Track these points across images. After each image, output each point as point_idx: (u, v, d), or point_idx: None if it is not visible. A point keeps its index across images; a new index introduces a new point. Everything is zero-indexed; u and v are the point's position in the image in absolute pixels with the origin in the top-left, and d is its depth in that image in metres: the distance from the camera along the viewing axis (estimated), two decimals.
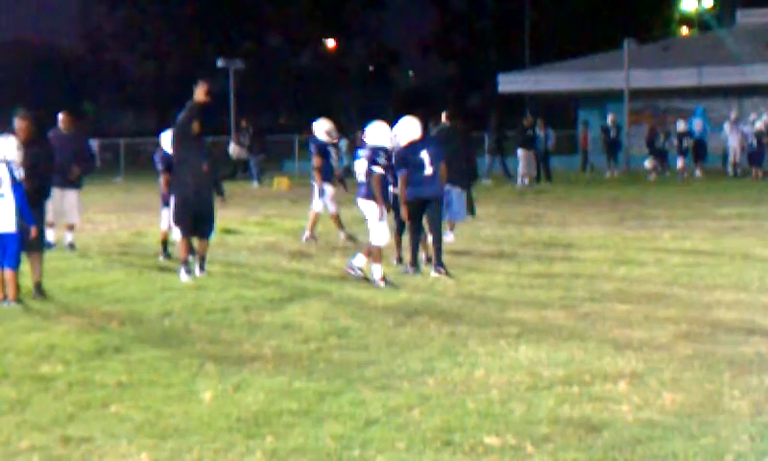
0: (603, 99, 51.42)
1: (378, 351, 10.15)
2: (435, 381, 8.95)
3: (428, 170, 15.11)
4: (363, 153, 14.94)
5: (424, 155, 15.14)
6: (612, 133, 41.39)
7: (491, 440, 7.31)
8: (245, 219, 23.12)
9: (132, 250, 18.52)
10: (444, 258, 16.51)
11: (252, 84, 78.04)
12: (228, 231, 20.17)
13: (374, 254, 14.60)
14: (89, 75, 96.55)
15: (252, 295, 13.70)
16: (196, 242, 15.52)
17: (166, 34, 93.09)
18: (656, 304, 12.41)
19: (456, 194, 18.94)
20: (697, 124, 40.87)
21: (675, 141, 40.06)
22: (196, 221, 15.07)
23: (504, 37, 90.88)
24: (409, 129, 15.45)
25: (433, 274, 15.14)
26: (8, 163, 12.72)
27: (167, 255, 17.37)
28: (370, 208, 14.77)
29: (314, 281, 14.86)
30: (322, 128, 19.60)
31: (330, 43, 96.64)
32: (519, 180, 36.64)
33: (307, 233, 19.53)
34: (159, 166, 17.33)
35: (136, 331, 11.43)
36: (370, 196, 14.74)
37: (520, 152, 37.18)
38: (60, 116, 18.46)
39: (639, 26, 71.55)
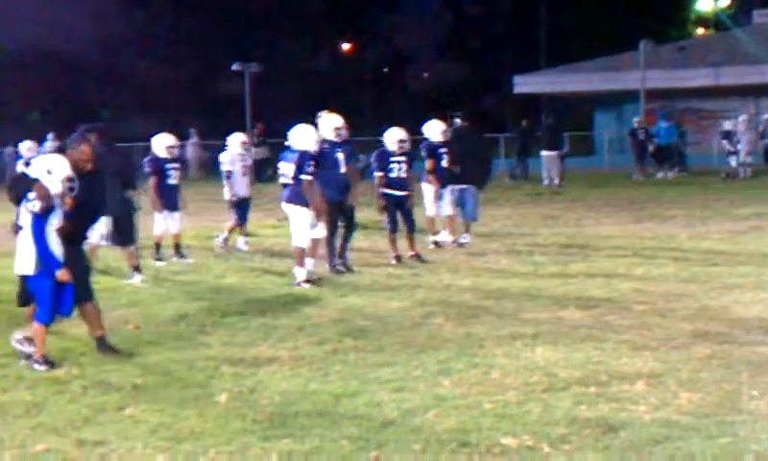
0: (619, 100, 51.29)
1: (394, 353, 10.12)
2: (451, 382, 8.92)
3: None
4: (291, 156, 14.97)
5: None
6: (641, 135, 40.66)
7: (507, 441, 7.28)
8: (260, 222, 23.07)
9: (147, 253, 18.48)
10: (460, 259, 16.63)
11: (266, 88, 78.04)
12: (245, 234, 20.12)
13: (297, 257, 14.84)
14: (104, 80, 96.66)
15: (267, 297, 13.70)
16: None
17: (180, 38, 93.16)
18: (673, 304, 12.34)
19: (471, 194, 18.96)
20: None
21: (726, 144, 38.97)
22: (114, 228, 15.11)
23: (519, 39, 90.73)
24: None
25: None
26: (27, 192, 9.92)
27: (159, 258, 17.43)
28: (293, 212, 14.97)
29: (329, 283, 14.83)
30: (436, 128, 18.69)
31: (345, 46, 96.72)
32: (546, 181, 36.33)
33: (430, 238, 18.78)
34: (147, 169, 17.80)
35: (152, 334, 11.43)
36: (294, 200, 14.91)
37: (545, 153, 36.88)
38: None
39: (655, 26, 71.31)
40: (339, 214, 15.99)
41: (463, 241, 18.89)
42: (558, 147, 36.75)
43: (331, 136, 15.84)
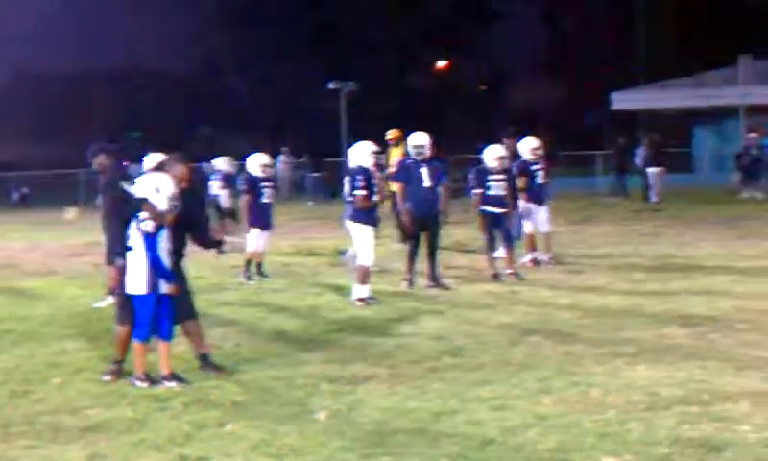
0: (718, 116, 50.65)
1: (493, 371, 10.07)
2: (551, 401, 8.85)
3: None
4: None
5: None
6: (754, 151, 39.45)
7: (608, 460, 7.20)
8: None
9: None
10: (559, 276, 16.54)
11: (362, 106, 78.30)
12: (340, 251, 20.23)
13: (360, 275, 14.81)
14: (204, 99, 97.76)
15: (365, 315, 13.71)
16: None
17: (278, 56, 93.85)
18: None
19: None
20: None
21: None
22: None
23: (617, 55, 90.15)
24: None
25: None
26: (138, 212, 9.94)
27: (249, 277, 17.54)
28: (353, 230, 15.05)
29: (426, 301, 14.82)
30: (528, 146, 18.70)
31: (441, 64, 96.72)
32: (655, 198, 35.83)
33: (529, 257, 18.45)
34: (243, 188, 18.02)
35: (251, 352, 11.49)
36: (352, 217, 15.01)
37: (652, 170, 36.50)
38: None
39: (755, 41, 70.28)
40: (421, 228, 16.05)
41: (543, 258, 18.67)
42: (663, 163, 36.45)
43: (412, 153, 16.06)
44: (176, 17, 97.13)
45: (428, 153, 16.12)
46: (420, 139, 16.20)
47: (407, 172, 16.10)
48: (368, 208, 14.92)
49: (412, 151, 16.21)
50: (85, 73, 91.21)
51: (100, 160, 14.93)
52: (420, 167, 15.98)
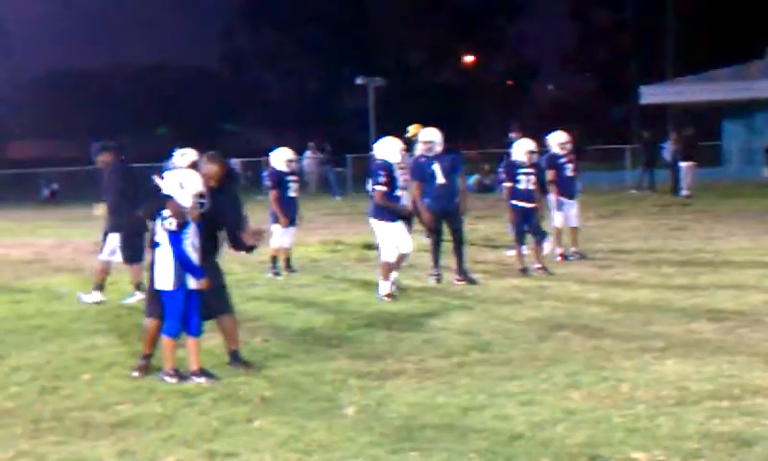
0: (748, 109, 50.37)
1: (521, 366, 10.05)
2: (580, 396, 8.82)
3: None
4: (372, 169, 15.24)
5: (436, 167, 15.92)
6: None
7: (638, 455, 7.18)
8: None
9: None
10: (588, 271, 16.48)
11: (389, 101, 78.24)
12: (368, 247, 20.24)
13: (384, 271, 14.79)
14: (232, 95, 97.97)
15: (393, 310, 13.71)
16: None
17: (306, 52, 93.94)
18: None
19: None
20: None
21: None
22: None
23: (646, 49, 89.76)
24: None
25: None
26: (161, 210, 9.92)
27: (276, 272, 17.58)
28: (375, 226, 15.07)
29: (454, 296, 14.80)
30: (557, 140, 18.75)
31: (469, 58, 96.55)
32: (686, 192, 35.71)
33: (558, 251, 18.36)
34: (268, 183, 17.92)
35: (279, 347, 11.50)
36: (373, 214, 15.06)
37: (685, 163, 36.38)
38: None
39: None
40: (440, 223, 16.15)
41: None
42: (693, 157, 36.34)
43: (422, 149, 16.02)
44: (204, 15, 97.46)
45: (439, 148, 16.07)
46: (429, 135, 16.16)
47: (421, 169, 16.04)
48: (390, 204, 14.89)
49: (422, 147, 16.14)
50: (114, 70, 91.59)
51: (102, 158, 15.05)
52: (432, 163, 15.95)
